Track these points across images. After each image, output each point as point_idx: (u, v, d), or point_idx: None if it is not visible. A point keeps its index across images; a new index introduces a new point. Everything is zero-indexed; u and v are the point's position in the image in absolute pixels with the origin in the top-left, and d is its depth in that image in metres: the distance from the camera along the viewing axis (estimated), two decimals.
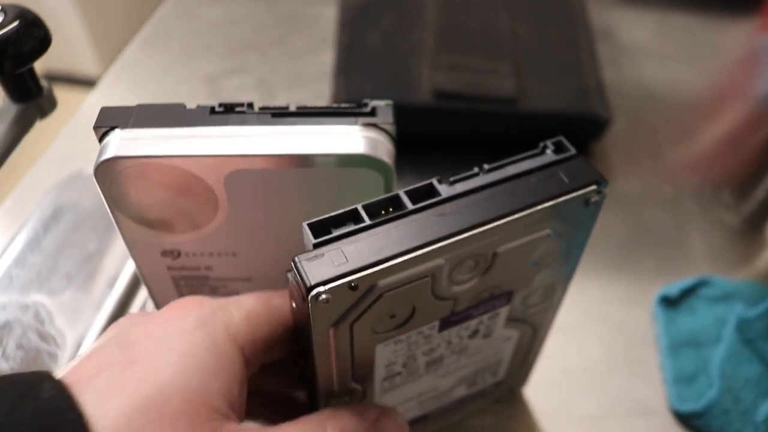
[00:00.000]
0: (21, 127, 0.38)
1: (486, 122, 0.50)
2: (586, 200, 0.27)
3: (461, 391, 0.36)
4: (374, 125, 0.29)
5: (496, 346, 0.34)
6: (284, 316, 0.28)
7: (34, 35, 0.34)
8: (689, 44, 0.65)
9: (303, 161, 0.27)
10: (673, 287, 0.44)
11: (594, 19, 0.64)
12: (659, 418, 0.39)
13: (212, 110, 0.29)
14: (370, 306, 0.25)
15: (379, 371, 0.31)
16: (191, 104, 0.29)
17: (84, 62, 1.56)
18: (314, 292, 0.23)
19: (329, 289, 0.23)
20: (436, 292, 0.27)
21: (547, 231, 0.27)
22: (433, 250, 0.25)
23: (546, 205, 0.26)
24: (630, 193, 0.51)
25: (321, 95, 0.55)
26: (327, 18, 0.63)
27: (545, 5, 0.55)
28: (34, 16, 0.35)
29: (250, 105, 0.29)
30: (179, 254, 0.32)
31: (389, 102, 0.30)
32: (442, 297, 0.27)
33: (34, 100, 0.38)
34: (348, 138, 0.28)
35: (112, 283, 0.44)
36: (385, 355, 0.30)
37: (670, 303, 0.43)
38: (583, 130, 0.51)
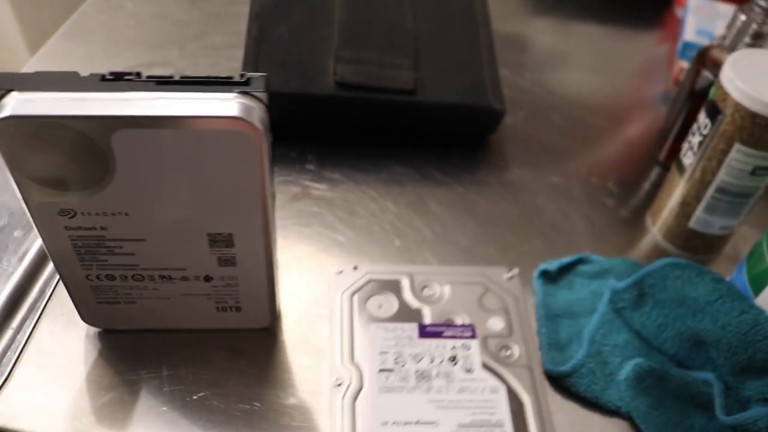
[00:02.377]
0: None
1: (385, 112, 0.55)
2: None
3: None
4: (248, 93, 0.33)
5: (487, 395, 0.40)
6: None
7: None
8: (595, 52, 0.71)
9: (181, 123, 0.32)
10: (552, 263, 0.49)
11: (504, 25, 0.70)
12: (539, 377, 0.44)
13: (103, 78, 0.33)
14: None
15: (375, 359, 0.40)
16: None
17: (13, 52, 1.58)
18: None
19: None
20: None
21: None
22: None
23: None
24: (522, 180, 0.56)
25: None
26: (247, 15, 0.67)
27: (449, 7, 0.61)
28: None
29: (138, 74, 0.33)
30: (75, 213, 0.35)
31: (264, 74, 0.34)
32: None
33: None
34: (223, 103, 0.32)
35: (21, 257, 0.47)
36: (380, 341, 0.40)
37: (549, 278, 0.48)
38: (478, 121, 0.56)
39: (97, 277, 0.39)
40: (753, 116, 0.43)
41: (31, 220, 0.36)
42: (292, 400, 0.41)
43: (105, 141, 0.32)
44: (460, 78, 0.56)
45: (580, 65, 0.69)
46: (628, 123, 0.63)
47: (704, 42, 0.64)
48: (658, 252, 0.53)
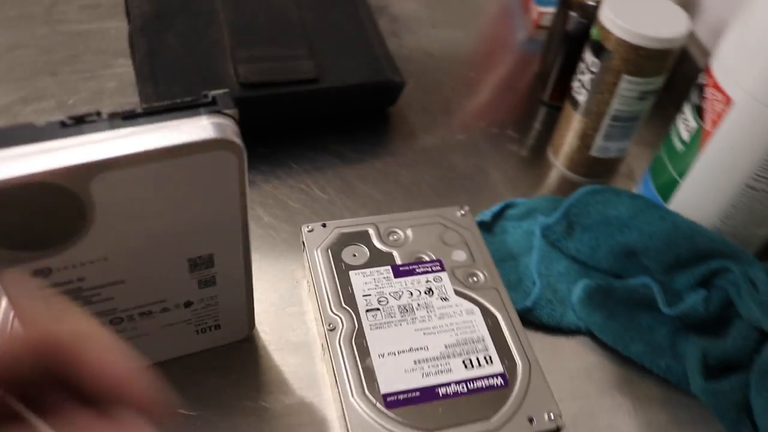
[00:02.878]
0: None
1: (292, 104, 0.56)
2: None
3: (461, 371, 0.42)
4: (218, 112, 0.33)
5: (465, 316, 0.44)
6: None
7: None
8: (453, 9, 0.75)
9: (164, 155, 0.32)
10: (485, 214, 0.53)
11: None
12: (506, 295, 0.48)
13: (62, 124, 0.32)
14: None
15: (360, 301, 0.44)
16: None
17: None
18: None
19: None
20: None
21: None
22: None
23: None
24: (432, 145, 0.60)
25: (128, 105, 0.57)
26: (112, 31, 0.65)
27: (337, 15, 0.62)
28: None
29: (98, 113, 0.32)
30: (50, 271, 0.34)
31: (226, 90, 0.34)
32: None
33: None
34: (198, 127, 0.32)
35: None
36: (361, 285, 0.44)
37: (485, 227, 0.53)
38: (381, 96, 0.59)
39: None
40: (636, 49, 0.49)
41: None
42: (292, 399, 0.43)
43: (83, 189, 0.31)
44: (356, 58, 0.58)
45: (445, 24, 0.73)
46: (505, 70, 0.68)
47: None
48: (565, 182, 0.58)
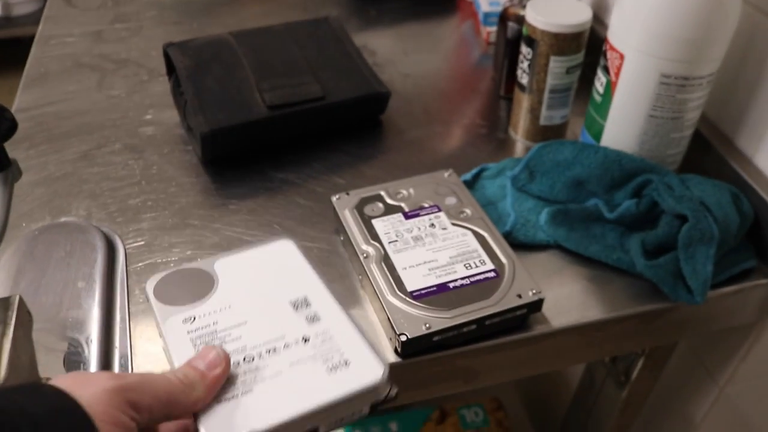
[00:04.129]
0: (9, 191, 0.54)
1: (307, 119, 0.74)
2: None
3: (463, 271, 0.58)
4: None
5: (461, 237, 0.61)
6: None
7: (4, 125, 0.52)
8: (420, 40, 0.95)
9: None
10: (466, 175, 0.71)
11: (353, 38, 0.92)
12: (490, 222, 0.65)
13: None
14: None
15: (383, 238, 0.61)
16: None
17: None
18: None
19: None
20: None
21: None
22: None
23: None
24: (418, 137, 0.78)
25: (175, 137, 0.76)
26: (151, 91, 0.84)
27: (318, 33, 0.81)
28: (4, 108, 0.53)
29: None
30: (194, 318, 0.51)
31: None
32: None
33: (5, 171, 0.55)
34: None
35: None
36: (382, 228, 0.62)
37: (467, 185, 0.70)
38: (373, 105, 0.77)
39: None
40: (556, 35, 0.68)
41: (164, 334, 0.51)
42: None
43: (211, 268, 0.55)
44: (350, 80, 0.76)
45: (415, 51, 0.92)
46: (467, 79, 0.88)
47: (497, 9, 0.90)
48: (525, 149, 0.76)
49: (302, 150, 0.76)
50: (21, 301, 0.48)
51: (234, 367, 0.47)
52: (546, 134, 0.75)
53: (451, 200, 0.65)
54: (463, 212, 0.63)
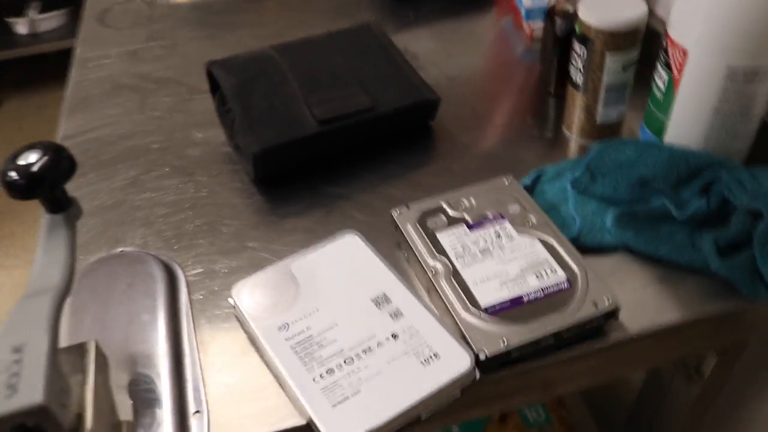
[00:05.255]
0: (73, 232, 0.55)
1: (358, 131, 0.74)
2: None
3: (535, 283, 0.58)
4: None
5: (529, 247, 0.60)
6: None
7: (63, 164, 0.52)
8: (460, 40, 0.94)
9: None
10: (525, 180, 0.70)
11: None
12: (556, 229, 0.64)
13: None
14: None
15: (450, 252, 0.60)
16: None
17: None
18: None
19: None
20: None
21: None
22: None
23: None
24: (470, 142, 0.78)
25: (223, 156, 0.76)
26: (195, 108, 0.84)
27: (361, 41, 0.81)
28: (62, 148, 0.53)
29: None
30: (288, 326, 0.53)
31: None
32: None
33: (66, 211, 0.55)
34: None
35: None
36: (447, 241, 0.61)
37: (528, 191, 0.69)
38: (423, 113, 0.77)
39: (321, 375, 0.52)
40: (611, 33, 0.67)
41: (264, 344, 0.54)
42: None
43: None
44: (397, 88, 0.76)
45: (457, 53, 0.92)
46: (514, 77, 0.87)
47: (541, 4, 0.89)
48: (581, 149, 0.75)
49: (353, 162, 0.75)
50: (97, 346, 0.49)
51: (338, 370, 0.52)
52: (602, 132, 0.75)
53: (514, 208, 0.64)
54: (528, 220, 0.63)
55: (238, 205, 0.72)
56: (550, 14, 0.78)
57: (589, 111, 0.73)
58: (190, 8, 1.08)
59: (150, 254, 0.67)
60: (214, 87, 0.78)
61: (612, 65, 0.69)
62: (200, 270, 0.66)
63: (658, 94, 0.67)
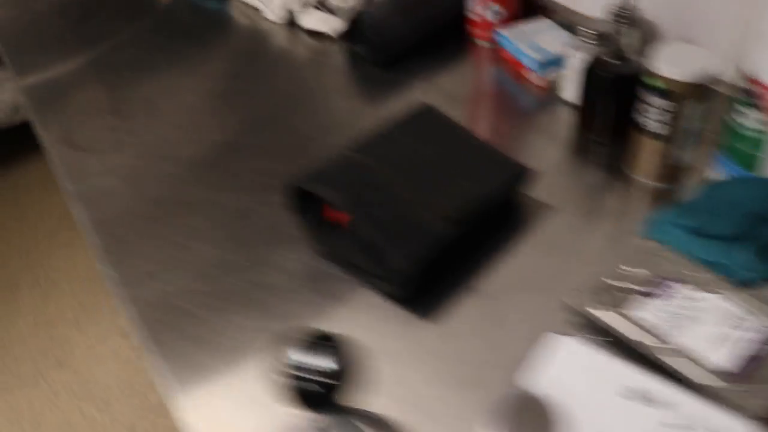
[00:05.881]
0: None
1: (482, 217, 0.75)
2: None
3: (744, 334, 0.61)
4: None
5: (712, 301, 0.64)
6: None
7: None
8: (463, 101, 0.95)
9: None
10: (650, 233, 0.74)
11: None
12: None
13: None
14: None
15: (652, 328, 0.62)
16: None
17: None
18: None
19: None
20: None
21: None
22: None
23: None
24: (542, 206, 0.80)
25: None
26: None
27: (429, 126, 0.79)
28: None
29: None
30: None
31: None
32: None
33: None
34: None
35: None
36: (644, 319, 0.62)
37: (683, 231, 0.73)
38: (518, 183, 0.78)
39: None
40: (692, 85, 0.73)
41: None
42: None
43: None
44: (490, 165, 0.76)
45: (471, 114, 0.93)
46: (545, 130, 0.90)
47: (548, 57, 0.94)
48: (656, 192, 0.81)
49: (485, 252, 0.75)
50: None
51: None
52: (678, 174, 0.81)
53: (667, 266, 0.68)
54: (690, 275, 0.67)
55: (396, 332, 0.67)
56: (590, 68, 0.83)
57: (665, 156, 0.79)
58: None
59: None
60: (305, 206, 0.72)
61: (691, 111, 0.75)
62: None
63: (745, 132, 0.74)
